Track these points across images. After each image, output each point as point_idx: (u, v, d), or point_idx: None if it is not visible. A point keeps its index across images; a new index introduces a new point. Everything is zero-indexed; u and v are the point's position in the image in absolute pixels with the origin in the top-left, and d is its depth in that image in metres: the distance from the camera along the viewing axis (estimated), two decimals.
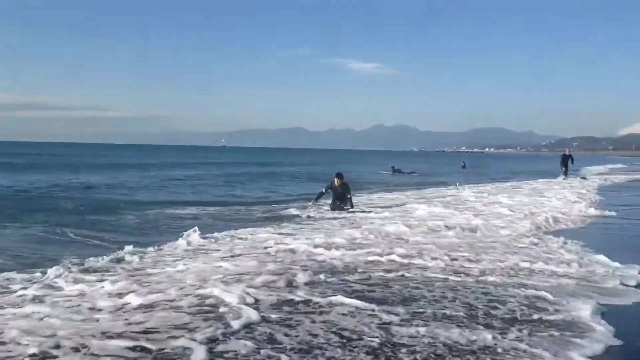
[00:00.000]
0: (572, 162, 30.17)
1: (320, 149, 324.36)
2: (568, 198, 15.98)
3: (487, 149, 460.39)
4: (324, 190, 12.37)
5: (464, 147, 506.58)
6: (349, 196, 12.06)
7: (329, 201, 12.29)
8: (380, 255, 7.16)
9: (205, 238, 8.29)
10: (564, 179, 27.83)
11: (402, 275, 6.14)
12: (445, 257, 7.01)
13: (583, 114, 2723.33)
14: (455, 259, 7.01)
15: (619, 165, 58.40)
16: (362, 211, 11.72)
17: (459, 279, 6.02)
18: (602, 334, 4.29)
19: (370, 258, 7.04)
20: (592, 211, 12.82)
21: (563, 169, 29.27)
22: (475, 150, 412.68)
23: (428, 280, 5.95)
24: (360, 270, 6.41)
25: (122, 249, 7.24)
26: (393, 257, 7.03)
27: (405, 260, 6.89)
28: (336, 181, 11.96)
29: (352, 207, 11.90)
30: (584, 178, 29.57)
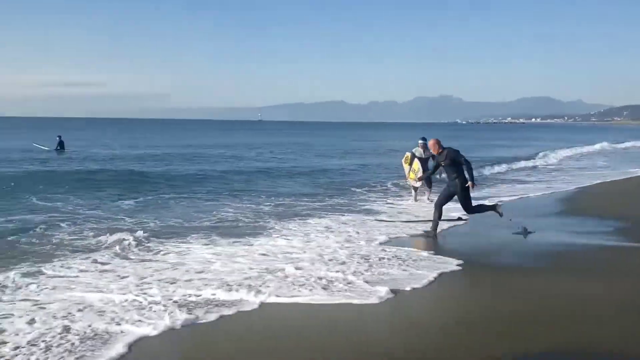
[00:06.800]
0: None
1: (361, 122, 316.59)
2: None
3: (533, 119, 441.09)
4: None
5: (509, 118, 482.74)
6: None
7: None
8: None
9: None
10: None
11: None
12: None
13: (633, 80, 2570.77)
14: None
15: None
16: None
17: None
18: None
19: None
20: None
21: None
22: (521, 120, 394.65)
23: None
24: None
25: None
26: None
27: None
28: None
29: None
30: None
